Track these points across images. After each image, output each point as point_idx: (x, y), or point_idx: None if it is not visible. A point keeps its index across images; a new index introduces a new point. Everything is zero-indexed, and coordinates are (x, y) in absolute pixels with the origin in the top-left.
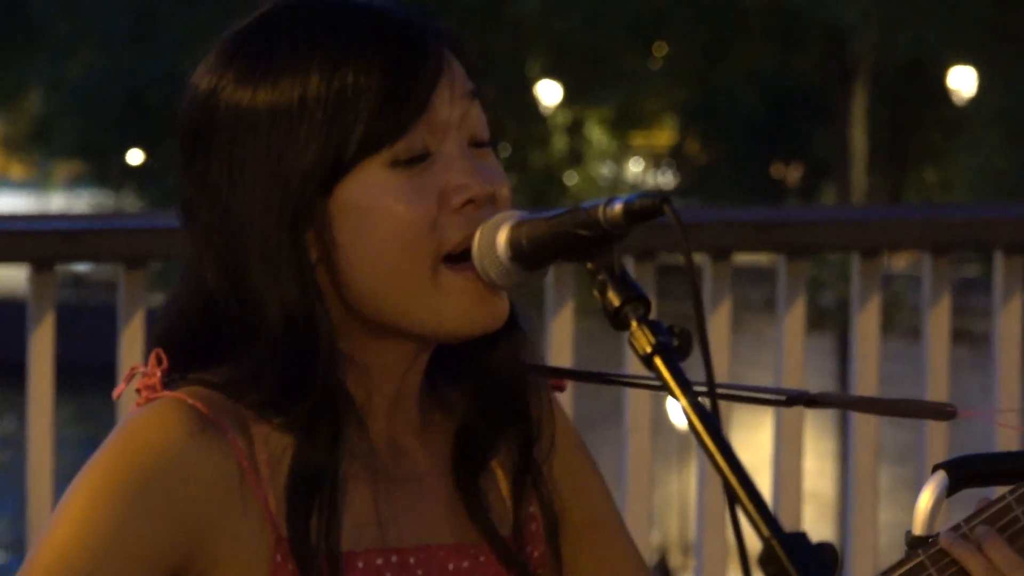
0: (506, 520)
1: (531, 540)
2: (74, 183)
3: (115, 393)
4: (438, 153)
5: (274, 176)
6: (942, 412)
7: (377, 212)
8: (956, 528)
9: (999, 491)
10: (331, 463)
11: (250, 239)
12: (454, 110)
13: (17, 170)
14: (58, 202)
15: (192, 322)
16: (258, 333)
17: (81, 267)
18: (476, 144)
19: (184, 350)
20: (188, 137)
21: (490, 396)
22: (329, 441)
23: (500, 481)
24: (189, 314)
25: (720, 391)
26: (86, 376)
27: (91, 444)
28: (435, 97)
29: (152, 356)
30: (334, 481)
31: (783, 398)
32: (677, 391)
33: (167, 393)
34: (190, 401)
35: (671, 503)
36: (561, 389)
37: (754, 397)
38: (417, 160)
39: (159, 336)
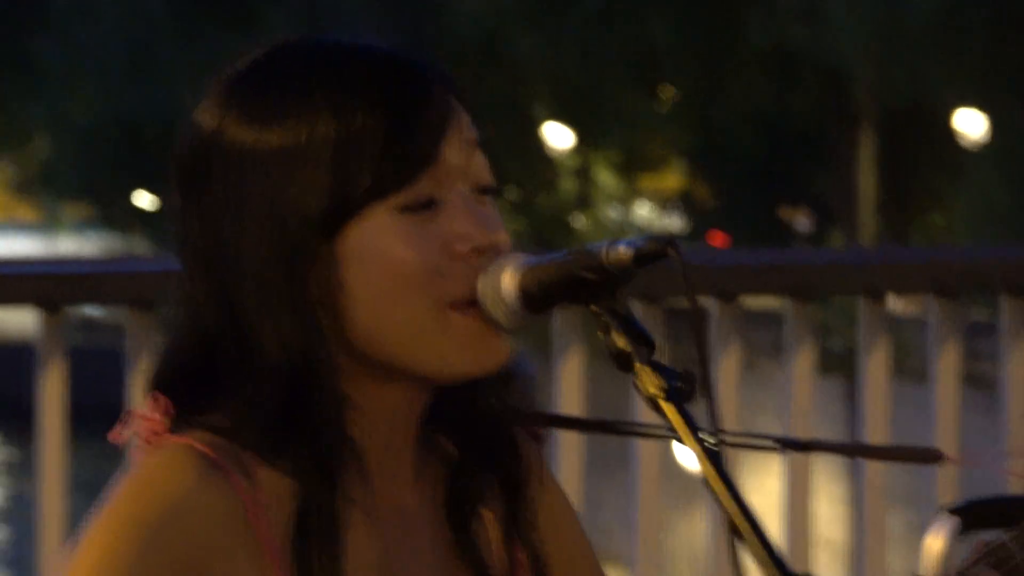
0: (497, 565)
1: None
2: (83, 225)
3: (111, 437)
4: (444, 200)
5: (275, 215)
6: (929, 456)
7: (382, 257)
8: (960, 573)
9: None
10: (331, 507)
11: (249, 277)
12: (460, 157)
13: (26, 212)
14: (67, 244)
15: (190, 362)
16: (253, 370)
17: (92, 310)
18: (480, 190)
19: (182, 391)
20: (187, 174)
21: (481, 441)
22: (329, 485)
23: (490, 526)
24: (186, 354)
25: (715, 437)
26: (96, 419)
27: (100, 487)
28: (443, 144)
29: (149, 400)
30: (334, 524)
31: (777, 445)
32: (682, 433)
33: (173, 439)
34: (198, 447)
35: (681, 546)
36: (538, 438)
37: (748, 444)
38: (423, 207)
39: (158, 377)
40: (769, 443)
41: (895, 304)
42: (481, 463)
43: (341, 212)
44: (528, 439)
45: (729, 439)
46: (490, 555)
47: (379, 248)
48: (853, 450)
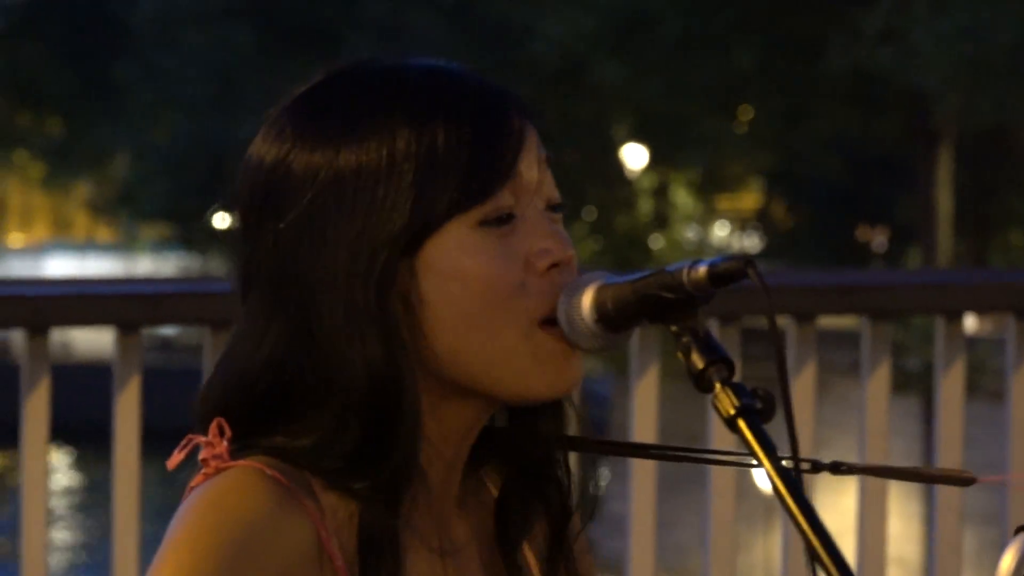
0: None
1: None
2: (161, 246)
3: (170, 463)
4: (521, 215)
5: (360, 236)
6: (960, 479)
7: (465, 273)
8: None
9: None
10: (394, 531)
11: (334, 300)
12: (534, 173)
13: (104, 233)
14: (145, 265)
15: (256, 387)
16: (334, 396)
17: (168, 330)
18: (551, 208)
19: (242, 415)
20: (254, 204)
21: (527, 468)
22: (393, 511)
23: (529, 558)
24: (252, 379)
25: (737, 459)
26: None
27: (174, 509)
28: (522, 156)
29: (213, 425)
30: (397, 547)
31: (808, 466)
32: (760, 454)
33: (241, 463)
34: (268, 471)
35: (755, 568)
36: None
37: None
38: (502, 221)
39: (214, 402)
40: (794, 464)
41: (970, 323)
42: (528, 488)
43: (423, 228)
44: (567, 467)
45: (744, 461)
46: None
47: (461, 264)
48: (883, 471)
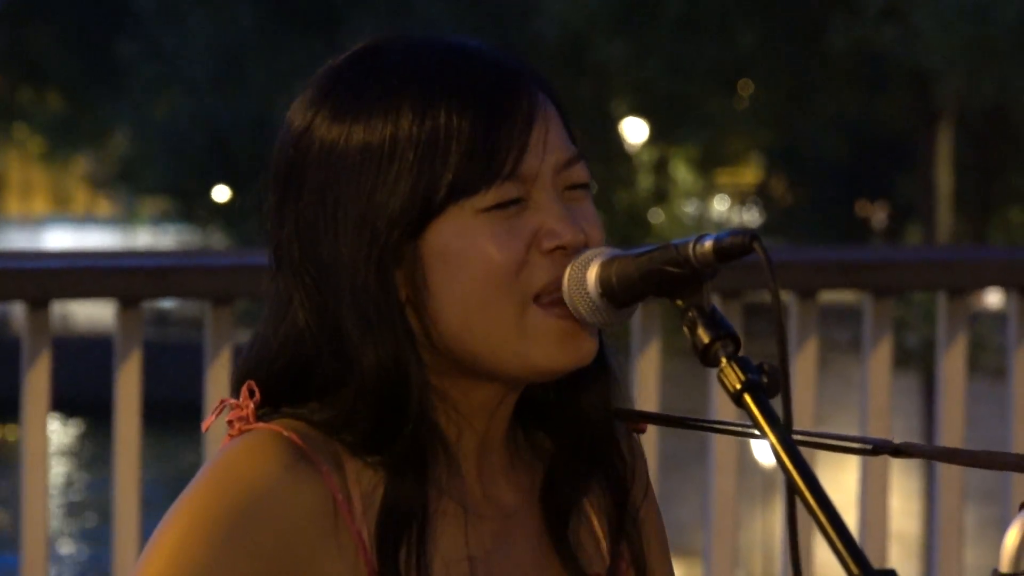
0: (596, 559)
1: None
2: (160, 220)
3: (204, 425)
4: (530, 198)
5: (363, 217)
6: None
7: (468, 254)
8: None
9: None
10: (420, 500)
11: (342, 281)
12: (549, 155)
13: (104, 207)
14: (144, 239)
15: (282, 361)
16: (350, 376)
17: (166, 304)
18: (572, 187)
19: (273, 387)
20: (282, 175)
21: (578, 438)
22: (419, 478)
23: (593, 520)
24: (279, 353)
25: (804, 438)
26: (168, 414)
27: (173, 481)
28: (529, 143)
29: (244, 388)
30: (423, 517)
31: (869, 447)
32: (766, 428)
33: (261, 425)
34: (285, 433)
35: (756, 542)
36: (640, 431)
37: (839, 446)
38: (509, 205)
39: (247, 371)
40: (861, 446)
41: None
42: (578, 459)
43: (424, 211)
44: (629, 435)
45: (819, 441)
46: (590, 547)
47: (464, 247)
48: (947, 455)
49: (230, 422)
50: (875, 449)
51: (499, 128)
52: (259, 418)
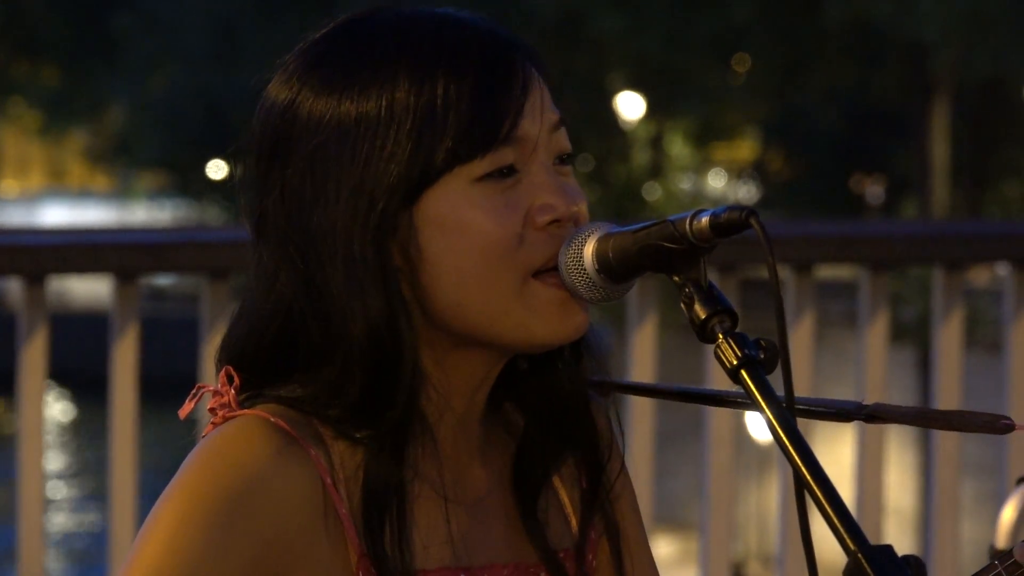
0: (566, 535)
1: (591, 549)
2: (157, 194)
3: (181, 412)
4: (524, 169)
5: (359, 186)
6: (998, 426)
7: (465, 226)
8: None
9: None
10: (398, 476)
11: (333, 250)
12: (542, 127)
13: (100, 182)
14: (141, 214)
15: (264, 336)
16: (338, 346)
17: (163, 280)
18: (560, 160)
19: (255, 365)
20: (266, 147)
21: (551, 411)
22: (397, 455)
23: (562, 495)
24: (261, 328)
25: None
26: (163, 389)
27: (168, 458)
28: (524, 113)
29: (222, 374)
30: (402, 495)
31: (843, 412)
32: (763, 404)
33: (246, 412)
34: (273, 419)
35: (751, 516)
36: (605, 394)
37: (812, 411)
38: (504, 174)
39: (228, 351)
40: (836, 411)
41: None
42: (550, 434)
43: (421, 179)
44: (598, 401)
45: (794, 407)
46: (559, 524)
47: (461, 217)
48: (920, 418)
49: (212, 410)
50: (848, 414)
51: (497, 93)
52: (241, 404)
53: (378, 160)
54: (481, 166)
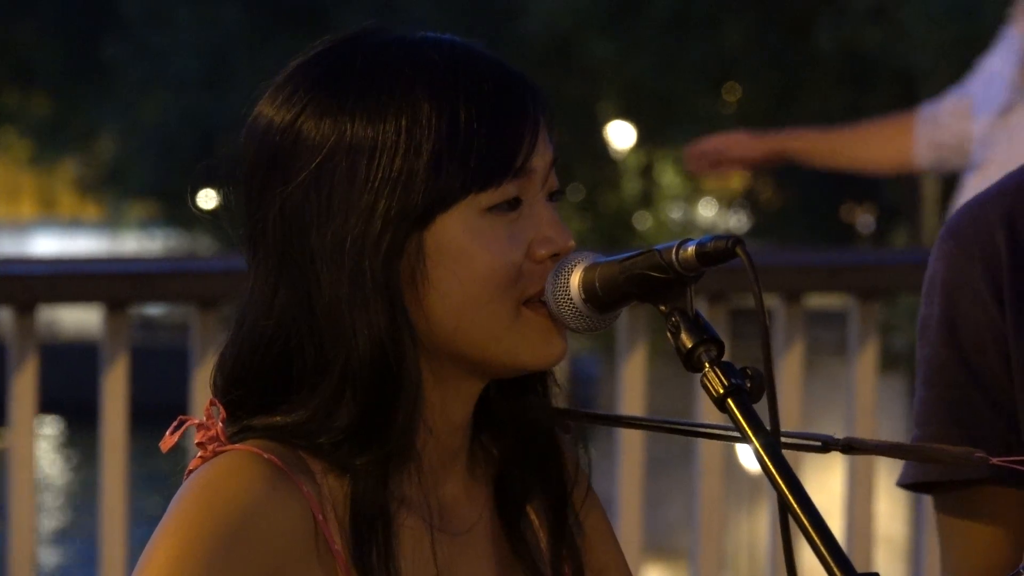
0: (542, 562)
1: None
2: (148, 224)
3: (163, 445)
4: (527, 203)
5: (372, 205)
6: (972, 459)
7: (471, 255)
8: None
9: None
10: (385, 508)
11: (340, 265)
12: (544, 162)
13: (91, 211)
14: (132, 243)
15: (264, 355)
16: (336, 363)
17: (152, 309)
18: (549, 198)
19: (252, 385)
20: (261, 168)
21: (521, 439)
22: (382, 486)
23: (536, 525)
24: (260, 346)
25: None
26: (153, 419)
27: (157, 486)
28: (535, 147)
29: (207, 406)
30: (388, 527)
31: (819, 444)
32: (749, 432)
33: (237, 447)
34: (265, 455)
35: (741, 545)
36: (567, 431)
37: (790, 443)
38: (511, 206)
39: (224, 372)
40: (812, 443)
41: None
42: (525, 462)
43: (436, 204)
44: (565, 437)
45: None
46: (540, 557)
47: (467, 246)
48: (896, 450)
49: (200, 443)
50: (826, 446)
51: (514, 124)
52: (230, 438)
53: (395, 183)
54: (492, 196)
